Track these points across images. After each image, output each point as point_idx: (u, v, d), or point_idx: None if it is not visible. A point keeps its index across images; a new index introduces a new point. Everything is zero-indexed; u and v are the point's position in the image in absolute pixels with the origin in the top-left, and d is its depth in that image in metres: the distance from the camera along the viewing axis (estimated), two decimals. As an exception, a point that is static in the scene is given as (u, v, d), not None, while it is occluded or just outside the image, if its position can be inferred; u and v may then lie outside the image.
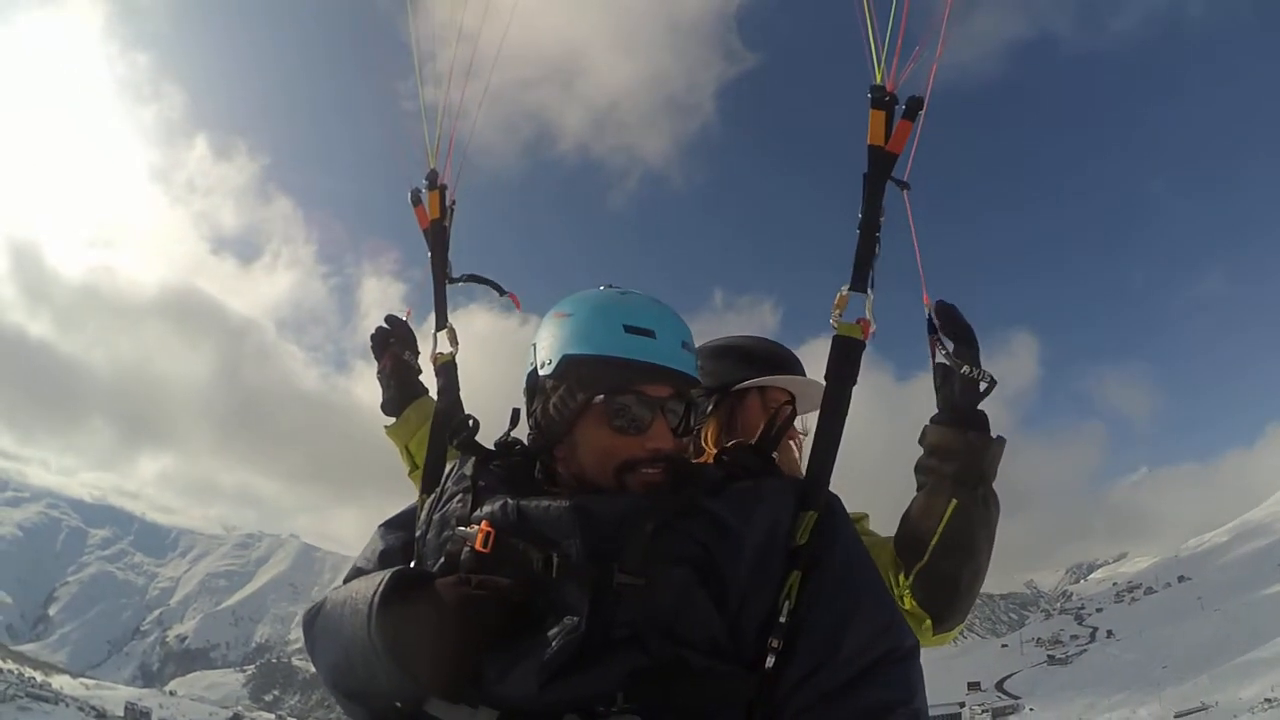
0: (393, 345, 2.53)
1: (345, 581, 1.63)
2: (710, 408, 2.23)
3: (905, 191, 1.74)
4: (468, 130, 2.33)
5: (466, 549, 1.45)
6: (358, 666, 1.39)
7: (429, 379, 2.49)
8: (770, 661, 1.33)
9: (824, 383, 1.87)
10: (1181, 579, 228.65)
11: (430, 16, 2.36)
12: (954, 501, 1.77)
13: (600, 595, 1.33)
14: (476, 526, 1.45)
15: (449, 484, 1.68)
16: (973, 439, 1.79)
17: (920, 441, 1.89)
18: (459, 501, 1.60)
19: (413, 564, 1.64)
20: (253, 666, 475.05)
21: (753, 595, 1.37)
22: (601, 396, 1.49)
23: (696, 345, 1.77)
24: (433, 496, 1.69)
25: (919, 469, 1.89)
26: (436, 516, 1.63)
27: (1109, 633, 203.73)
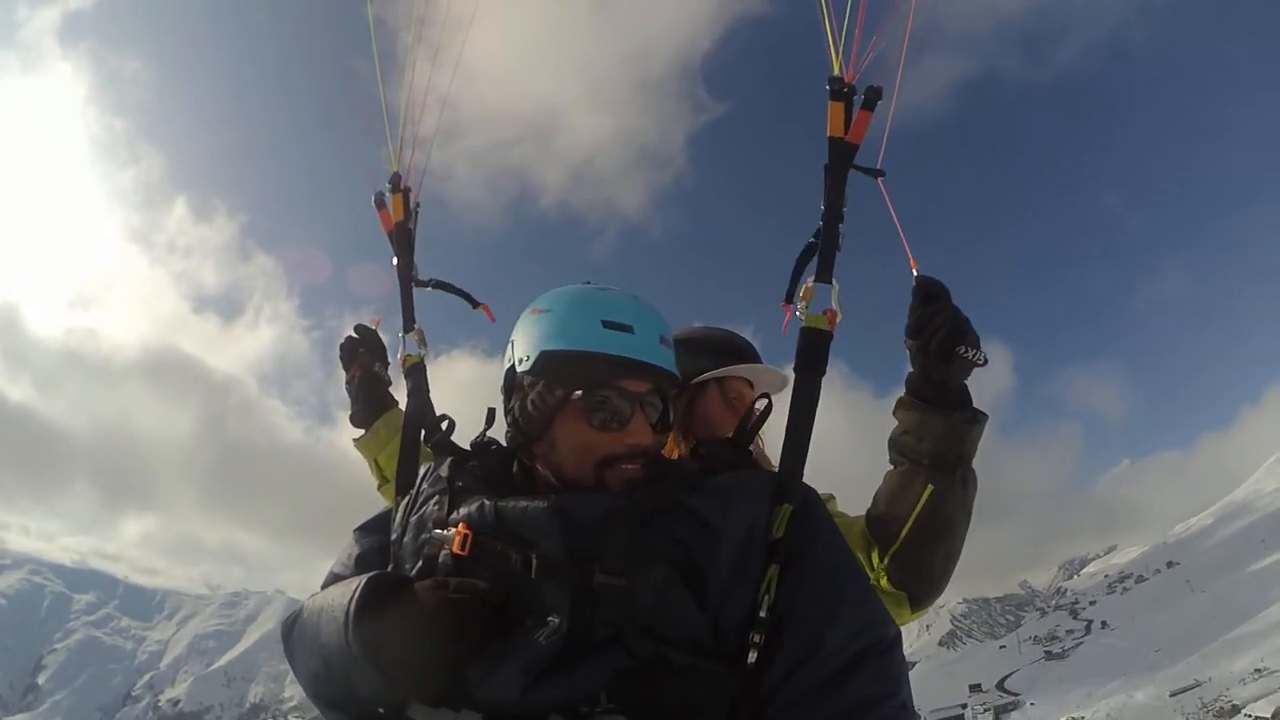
0: (362, 355, 2.49)
1: (322, 588, 1.61)
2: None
3: (880, 179, 1.71)
4: (430, 131, 2.34)
5: (445, 552, 1.43)
6: (337, 674, 1.37)
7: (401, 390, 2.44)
8: (752, 657, 1.31)
9: (781, 370, 1.80)
10: (1170, 564, 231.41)
11: (392, 10, 2.37)
12: (930, 487, 1.73)
13: (581, 596, 1.32)
14: (454, 529, 1.43)
15: (424, 486, 1.65)
16: (957, 421, 1.74)
17: (895, 413, 1.83)
18: (435, 504, 1.57)
19: (390, 568, 1.61)
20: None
21: (733, 591, 1.36)
22: (580, 392, 1.46)
23: None
24: (407, 499, 1.66)
25: (894, 445, 1.82)
26: (413, 519, 1.60)
27: (1103, 624, 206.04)
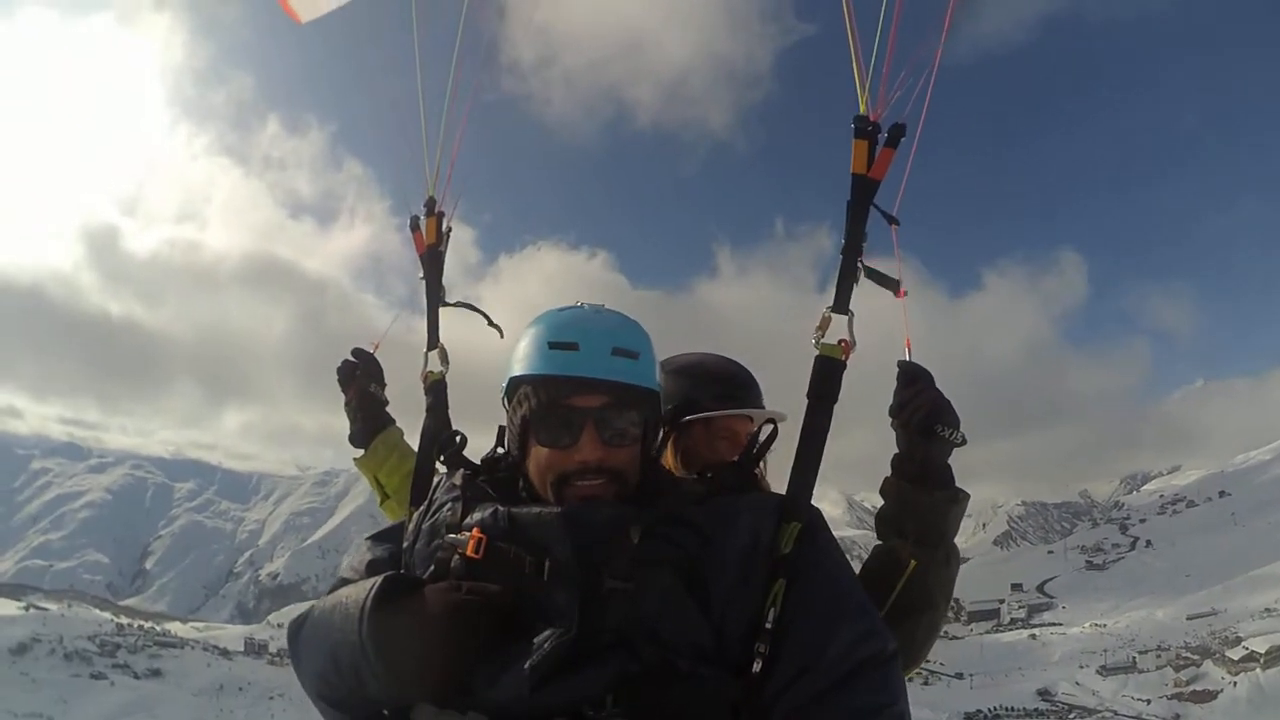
0: (359, 378, 2.56)
1: (330, 591, 1.64)
2: (661, 434, 2.14)
3: (894, 227, 1.77)
4: (464, 160, 2.41)
5: (457, 555, 1.47)
6: (346, 672, 1.42)
7: (402, 405, 2.54)
8: (757, 666, 1.37)
9: (773, 412, 2.05)
10: (1222, 494, 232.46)
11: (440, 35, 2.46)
12: (914, 562, 1.80)
13: (589, 600, 1.36)
14: (467, 534, 1.47)
15: (438, 494, 1.71)
16: (939, 499, 1.83)
17: (881, 492, 1.93)
18: (449, 510, 1.62)
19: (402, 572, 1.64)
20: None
21: (736, 601, 1.41)
22: (530, 414, 1.55)
23: (678, 354, 1.98)
24: (422, 508, 1.73)
25: (880, 520, 1.93)
26: (426, 525, 1.66)
27: (1148, 543, 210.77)
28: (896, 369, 1.90)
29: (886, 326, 1.78)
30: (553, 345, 1.54)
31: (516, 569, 1.42)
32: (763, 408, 2.29)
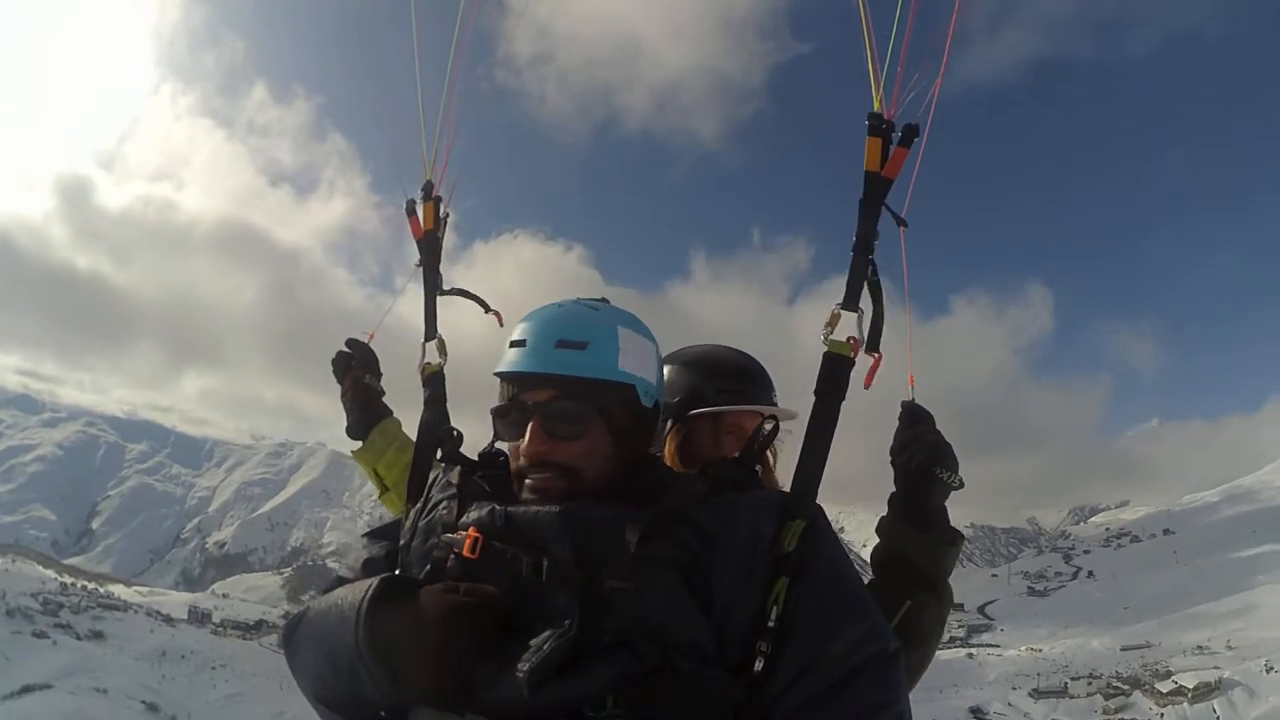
0: (354, 369, 2.50)
1: (325, 591, 1.62)
2: (669, 426, 2.18)
3: (902, 230, 1.75)
4: (465, 144, 2.33)
5: (453, 555, 1.45)
6: (343, 674, 1.40)
7: (400, 397, 2.47)
8: (759, 665, 1.35)
9: (783, 410, 2.00)
10: (1166, 532, 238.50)
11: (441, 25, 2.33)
12: (909, 602, 1.80)
13: (590, 600, 1.34)
14: (463, 533, 1.45)
15: (434, 492, 1.69)
16: (934, 540, 1.85)
17: (878, 531, 1.93)
18: (444, 509, 1.61)
19: (398, 572, 1.62)
20: (289, 569, 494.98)
21: (737, 600, 1.38)
22: (492, 410, 1.58)
23: (689, 349, 1.97)
24: (418, 505, 1.70)
25: (875, 561, 1.92)
26: (422, 524, 1.63)
27: (1090, 573, 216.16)
28: (900, 408, 1.92)
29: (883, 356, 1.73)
30: (511, 344, 1.56)
31: (514, 569, 1.41)
32: (774, 404, 2.24)
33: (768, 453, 2.07)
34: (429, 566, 1.50)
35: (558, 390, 1.51)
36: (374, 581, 1.41)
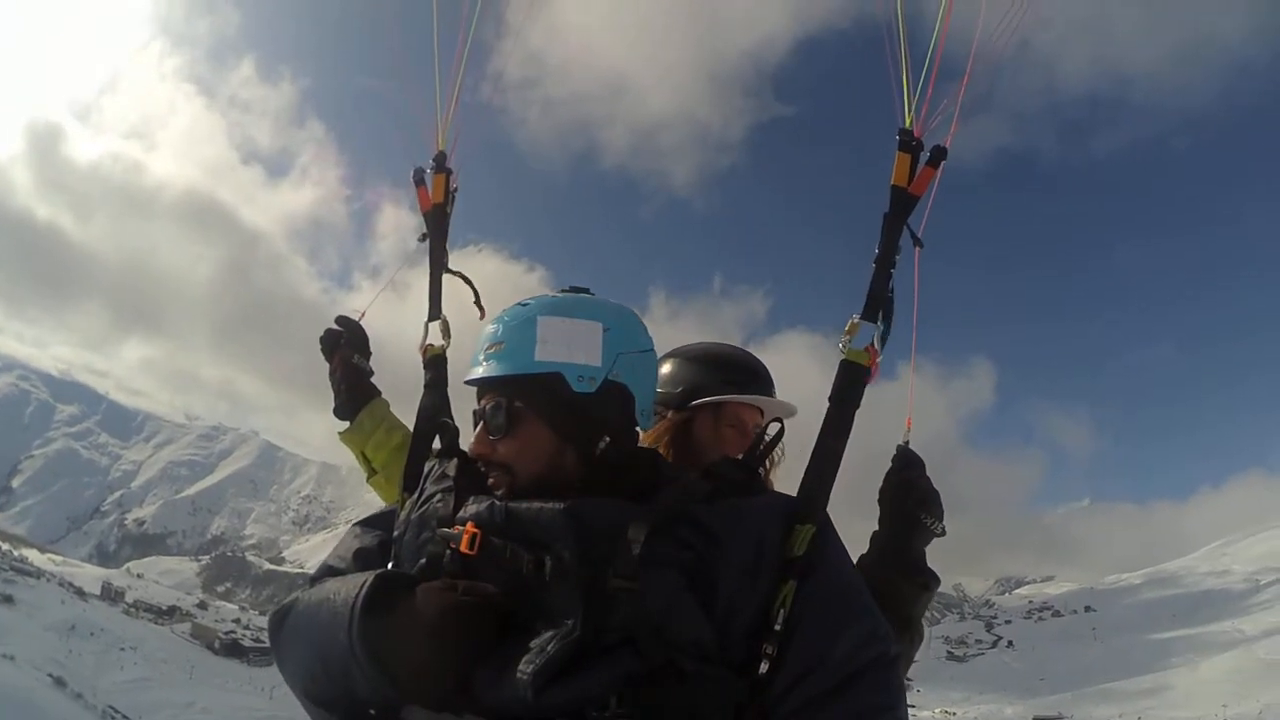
0: (343, 348, 2.40)
1: (314, 580, 1.59)
2: (668, 416, 2.16)
3: (918, 250, 1.76)
4: (480, 117, 2.28)
5: (450, 551, 1.42)
6: (335, 673, 1.36)
7: (399, 382, 2.41)
8: (764, 667, 1.34)
9: (787, 402, 2.01)
10: (1088, 609, 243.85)
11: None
12: None
13: (593, 599, 1.32)
14: (460, 528, 1.42)
15: (428, 484, 1.64)
16: (912, 586, 1.88)
17: (858, 567, 1.84)
18: (440, 502, 1.56)
19: (389, 566, 1.58)
20: (207, 557, 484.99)
21: (741, 603, 1.37)
22: None
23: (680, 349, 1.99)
24: (413, 496, 1.66)
25: None
26: (415, 516, 1.59)
27: (1010, 643, 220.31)
28: (894, 451, 1.95)
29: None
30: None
31: (514, 567, 1.36)
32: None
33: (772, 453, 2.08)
34: (424, 561, 1.47)
35: (487, 394, 1.54)
36: (369, 577, 1.36)
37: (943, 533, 1.89)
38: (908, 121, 1.75)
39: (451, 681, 1.31)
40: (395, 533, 1.63)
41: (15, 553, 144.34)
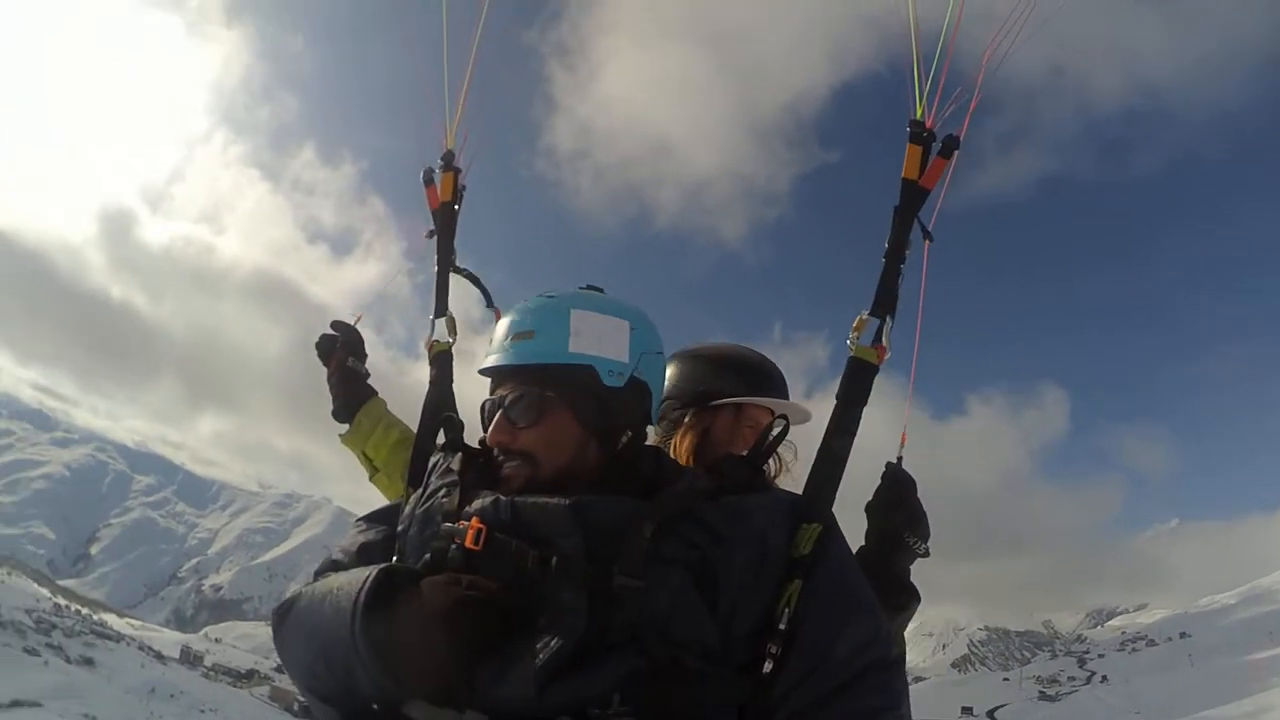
0: (339, 351, 2.42)
1: (317, 575, 1.59)
2: (687, 417, 2.17)
3: (927, 243, 1.75)
4: (488, 115, 2.28)
5: (455, 546, 1.41)
6: (337, 668, 1.35)
7: (401, 383, 2.30)
8: (768, 666, 1.34)
9: (804, 406, 1.99)
10: (1183, 635, 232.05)
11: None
12: None
13: (599, 596, 1.31)
14: (465, 523, 1.42)
15: (433, 478, 1.64)
16: (891, 605, 1.84)
17: None
18: (444, 496, 1.56)
19: (394, 560, 1.58)
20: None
21: (744, 602, 1.37)
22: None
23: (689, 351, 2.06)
24: (418, 491, 1.66)
25: None
26: (420, 511, 1.58)
27: (1104, 678, 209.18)
28: (884, 468, 1.92)
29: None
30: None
31: (518, 563, 1.36)
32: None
33: (779, 453, 2.09)
34: (428, 556, 1.46)
35: (511, 382, 1.53)
36: (372, 572, 1.35)
37: (926, 554, 1.87)
38: (919, 112, 1.72)
39: (454, 677, 1.29)
40: (400, 527, 1.62)
41: (95, 616, 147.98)
